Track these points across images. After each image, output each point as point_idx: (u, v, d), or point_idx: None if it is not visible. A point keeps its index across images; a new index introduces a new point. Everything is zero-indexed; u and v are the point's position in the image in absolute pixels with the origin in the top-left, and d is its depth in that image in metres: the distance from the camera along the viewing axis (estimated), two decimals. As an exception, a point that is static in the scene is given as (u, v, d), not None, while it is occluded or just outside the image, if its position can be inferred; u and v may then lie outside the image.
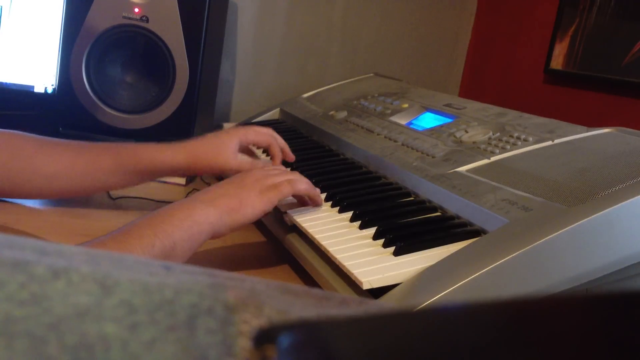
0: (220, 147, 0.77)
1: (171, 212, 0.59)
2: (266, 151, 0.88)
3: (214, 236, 0.61)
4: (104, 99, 1.03)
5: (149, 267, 0.23)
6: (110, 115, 1.03)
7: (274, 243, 0.77)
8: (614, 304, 0.19)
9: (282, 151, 0.85)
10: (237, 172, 0.76)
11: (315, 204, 0.72)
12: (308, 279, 0.63)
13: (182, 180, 1.00)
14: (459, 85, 1.63)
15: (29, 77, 1.08)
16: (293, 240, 0.69)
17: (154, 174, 0.78)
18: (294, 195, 0.71)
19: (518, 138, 0.74)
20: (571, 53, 1.23)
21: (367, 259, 0.57)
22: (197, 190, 0.97)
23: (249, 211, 0.63)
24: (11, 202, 0.79)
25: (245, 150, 0.83)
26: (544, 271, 0.52)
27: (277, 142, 0.84)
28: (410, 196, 0.73)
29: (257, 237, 0.81)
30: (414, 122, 0.93)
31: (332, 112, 1.08)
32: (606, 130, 0.71)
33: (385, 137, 0.89)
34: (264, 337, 0.19)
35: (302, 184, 0.69)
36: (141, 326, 0.18)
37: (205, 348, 0.18)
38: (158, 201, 0.89)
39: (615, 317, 0.18)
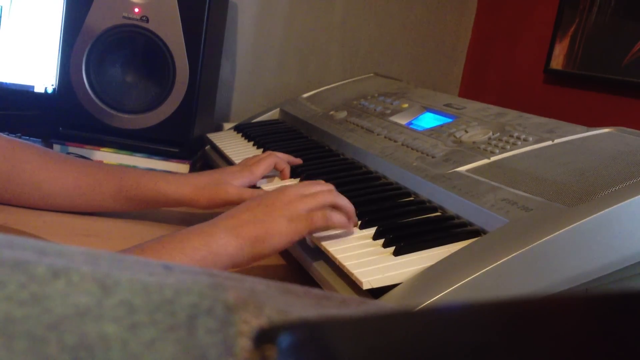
0: (223, 182, 0.76)
1: (187, 237, 0.55)
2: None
3: (234, 267, 0.57)
4: (104, 99, 1.03)
5: (149, 267, 0.23)
6: (110, 115, 1.03)
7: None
8: (614, 304, 0.19)
9: (288, 161, 0.86)
10: (239, 202, 0.72)
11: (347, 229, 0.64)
12: (308, 279, 0.63)
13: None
14: (459, 85, 1.63)
15: (29, 77, 1.08)
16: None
17: (156, 204, 0.77)
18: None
19: (518, 138, 0.74)
20: (571, 53, 1.23)
21: (367, 259, 0.57)
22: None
23: (275, 241, 0.58)
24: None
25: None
26: (544, 271, 0.52)
27: (280, 157, 0.85)
28: (410, 196, 0.73)
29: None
30: (414, 122, 0.93)
31: (332, 112, 1.08)
32: (606, 130, 0.71)
33: (385, 137, 0.89)
34: (264, 337, 0.19)
35: (337, 217, 0.61)
36: (141, 326, 0.18)
37: (205, 348, 0.18)
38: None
39: (615, 317, 0.18)
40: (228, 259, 0.56)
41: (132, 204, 0.77)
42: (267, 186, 0.81)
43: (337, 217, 0.61)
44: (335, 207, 0.62)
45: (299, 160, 0.88)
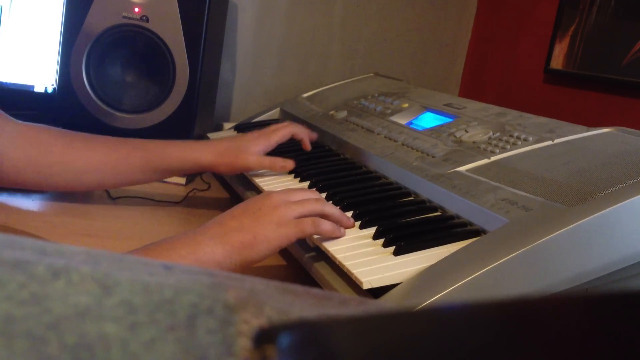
0: (242, 148, 0.81)
1: (173, 246, 0.55)
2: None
3: None
4: (104, 99, 1.03)
5: (149, 267, 0.23)
6: (110, 115, 1.03)
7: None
8: (614, 304, 0.19)
9: (309, 135, 0.92)
10: (258, 168, 0.82)
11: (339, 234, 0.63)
12: (308, 279, 0.63)
13: (182, 180, 1.00)
14: (459, 85, 1.63)
15: (29, 77, 1.08)
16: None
17: (181, 171, 0.82)
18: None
19: (518, 138, 0.74)
20: (571, 53, 1.23)
21: (367, 259, 0.57)
22: (197, 190, 0.97)
23: (264, 247, 0.57)
24: (11, 202, 0.79)
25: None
26: (544, 271, 0.52)
27: (300, 128, 0.90)
28: (410, 196, 0.73)
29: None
30: (414, 122, 0.93)
31: (332, 112, 1.08)
32: (606, 130, 0.71)
33: (385, 137, 0.89)
34: (264, 337, 0.19)
35: (326, 225, 0.60)
36: (141, 326, 0.18)
37: (205, 348, 0.18)
38: (158, 201, 0.89)
39: (615, 317, 0.18)
40: (216, 267, 0.54)
41: (159, 174, 0.81)
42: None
43: (326, 225, 0.60)
44: (323, 216, 0.62)
45: (314, 136, 0.93)
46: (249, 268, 0.57)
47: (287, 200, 0.61)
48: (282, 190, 0.64)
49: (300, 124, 0.92)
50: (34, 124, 0.77)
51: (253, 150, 0.81)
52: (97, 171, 0.77)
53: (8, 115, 0.75)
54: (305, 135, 0.90)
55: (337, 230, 0.61)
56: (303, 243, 0.66)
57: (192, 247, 0.55)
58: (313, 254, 0.64)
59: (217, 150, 0.80)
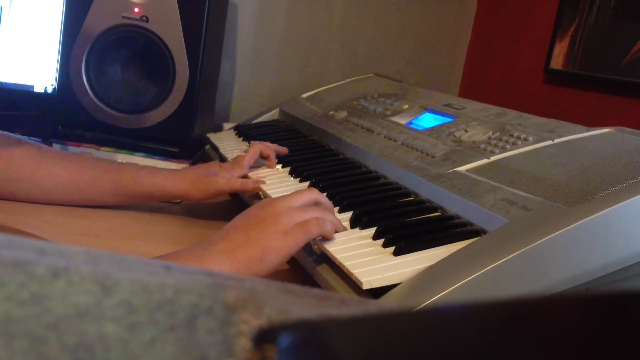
0: (215, 173, 0.80)
1: (179, 262, 0.53)
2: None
3: None
4: (103, 99, 1.03)
5: (149, 267, 0.23)
6: (110, 115, 1.03)
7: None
8: (614, 304, 0.19)
9: (276, 149, 0.90)
10: (229, 191, 0.81)
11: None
12: (308, 279, 0.63)
13: None
14: (459, 85, 1.63)
15: (29, 77, 1.08)
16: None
17: (152, 199, 0.81)
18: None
19: (518, 138, 0.74)
20: (571, 53, 1.23)
21: (367, 259, 0.57)
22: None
23: (273, 259, 0.56)
24: (11, 202, 0.79)
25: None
26: (544, 271, 0.52)
27: (266, 145, 0.89)
28: (410, 196, 0.73)
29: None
30: (413, 122, 0.93)
31: (332, 112, 1.08)
32: (606, 130, 0.71)
33: (385, 137, 0.89)
34: (264, 337, 0.19)
35: (329, 225, 0.60)
36: (141, 326, 0.18)
37: (205, 348, 0.18)
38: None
39: (615, 317, 0.18)
40: None
41: (129, 199, 0.80)
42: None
43: (329, 225, 0.60)
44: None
45: (285, 149, 0.92)
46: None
47: (290, 207, 0.60)
48: (282, 196, 0.63)
49: (266, 142, 0.91)
50: (10, 135, 0.78)
51: (223, 173, 0.81)
52: (65, 192, 0.77)
53: None
54: (271, 152, 0.88)
55: (340, 226, 0.62)
56: (306, 246, 0.66)
57: (199, 263, 0.53)
58: (313, 254, 0.64)
59: (189, 178, 0.79)
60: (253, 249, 0.55)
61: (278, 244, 0.56)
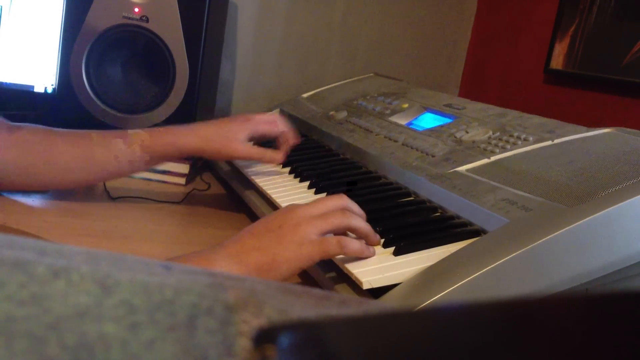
0: (230, 135, 0.79)
1: (188, 264, 0.51)
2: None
3: None
4: (103, 99, 1.03)
5: (149, 267, 0.23)
6: (110, 115, 1.03)
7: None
8: (614, 304, 0.19)
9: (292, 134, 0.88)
10: (244, 158, 0.80)
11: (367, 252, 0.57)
12: (308, 279, 0.63)
13: (182, 180, 1.00)
14: (459, 85, 1.63)
15: (29, 77, 1.08)
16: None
17: (166, 158, 0.81)
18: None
19: (518, 138, 0.74)
20: (571, 53, 1.23)
21: (367, 259, 0.57)
22: (197, 190, 0.97)
23: (283, 269, 0.53)
24: (11, 202, 0.79)
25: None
26: (544, 271, 0.52)
27: (285, 130, 0.86)
28: (410, 196, 0.73)
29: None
30: (414, 122, 0.93)
31: (332, 112, 1.08)
32: (606, 130, 0.71)
33: (385, 137, 0.89)
34: (264, 337, 0.19)
35: (353, 245, 0.55)
36: (141, 326, 0.18)
37: (205, 348, 0.18)
38: (158, 201, 0.89)
39: (615, 317, 0.18)
40: None
41: (145, 162, 0.79)
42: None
43: (353, 246, 0.55)
44: (350, 230, 0.57)
45: (297, 140, 0.89)
46: None
47: (311, 216, 0.56)
48: (306, 203, 0.58)
49: (289, 127, 0.87)
50: (17, 124, 0.77)
51: (241, 137, 0.79)
52: (82, 167, 0.77)
53: None
54: (286, 141, 0.85)
55: (365, 250, 0.56)
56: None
57: (207, 266, 0.52)
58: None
59: (203, 135, 0.78)
60: (264, 255, 0.53)
61: (290, 254, 0.53)
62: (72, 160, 0.76)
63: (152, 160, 0.80)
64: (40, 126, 0.78)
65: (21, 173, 0.75)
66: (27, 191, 0.82)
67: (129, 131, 0.79)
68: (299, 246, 0.54)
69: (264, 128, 0.83)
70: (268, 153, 0.81)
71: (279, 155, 0.82)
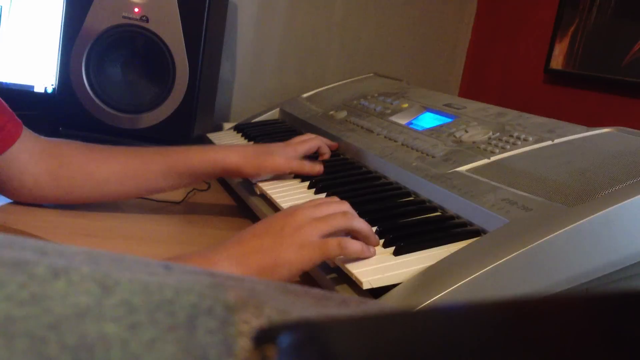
0: (270, 152, 0.79)
1: (187, 264, 0.53)
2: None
3: None
4: (104, 99, 1.03)
5: (149, 267, 0.23)
6: (110, 115, 1.03)
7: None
8: (614, 304, 0.19)
9: (328, 145, 0.90)
10: (287, 170, 0.79)
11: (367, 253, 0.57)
12: (308, 279, 0.63)
13: None
14: (459, 85, 1.63)
15: (29, 77, 1.08)
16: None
17: (205, 175, 0.79)
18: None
19: (518, 138, 0.74)
20: (571, 53, 1.23)
21: (367, 259, 0.57)
22: (197, 190, 0.97)
23: (284, 272, 0.53)
24: (11, 202, 0.79)
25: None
26: (544, 271, 0.52)
27: (324, 142, 0.88)
28: (410, 196, 0.73)
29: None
30: (413, 122, 0.93)
31: (332, 112, 1.08)
32: (606, 130, 0.71)
33: (385, 137, 0.89)
34: (264, 337, 0.19)
35: (354, 246, 0.55)
36: (141, 326, 0.18)
37: (205, 348, 0.18)
38: (158, 201, 0.89)
39: (615, 317, 0.18)
40: None
41: (183, 180, 0.78)
42: (267, 187, 0.81)
43: (353, 246, 0.55)
44: (351, 232, 0.58)
45: (335, 145, 0.91)
46: None
47: (313, 218, 0.56)
48: (307, 204, 0.59)
49: (322, 137, 0.90)
50: (54, 138, 0.78)
51: (281, 153, 0.80)
52: (118, 180, 0.76)
53: (30, 131, 0.75)
54: (327, 151, 0.88)
55: (366, 251, 0.56)
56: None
57: (206, 266, 0.51)
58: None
59: (243, 152, 0.78)
60: (265, 257, 0.53)
61: (292, 257, 0.53)
62: (108, 173, 0.76)
63: (190, 177, 0.79)
64: (74, 141, 0.78)
65: (59, 185, 0.75)
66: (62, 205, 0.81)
67: (166, 148, 0.79)
68: (301, 248, 0.54)
69: (304, 150, 0.83)
70: (307, 164, 0.80)
71: (318, 166, 0.82)
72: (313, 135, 0.88)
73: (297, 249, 0.54)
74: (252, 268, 0.53)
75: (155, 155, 0.77)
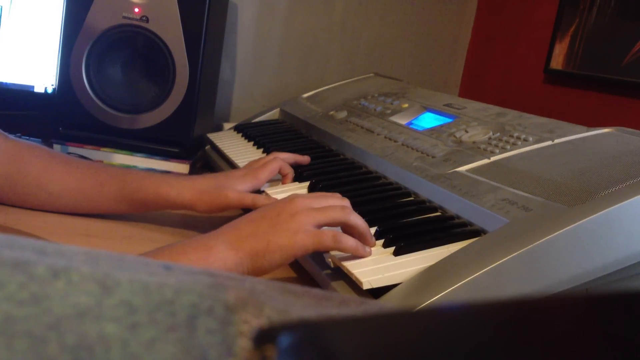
0: (225, 186, 0.75)
1: (185, 250, 0.53)
2: None
3: None
4: (104, 99, 1.03)
5: (149, 267, 0.23)
6: (110, 115, 1.03)
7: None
8: (614, 304, 0.19)
9: (295, 161, 0.85)
10: (239, 206, 0.74)
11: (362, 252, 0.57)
12: (308, 279, 0.63)
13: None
14: (459, 85, 1.63)
15: (29, 77, 1.08)
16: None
17: (157, 207, 0.77)
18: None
19: (518, 138, 0.74)
20: (571, 53, 1.23)
21: (367, 259, 0.57)
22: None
23: (276, 256, 0.54)
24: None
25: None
26: (544, 271, 0.52)
27: (284, 161, 0.82)
28: (410, 196, 0.73)
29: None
30: (414, 122, 0.93)
31: (332, 112, 1.08)
32: (606, 130, 0.71)
33: (385, 137, 0.89)
34: (264, 337, 0.19)
35: (348, 241, 0.56)
36: (141, 326, 0.18)
37: (205, 348, 0.18)
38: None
39: (615, 317, 0.18)
40: None
41: (134, 207, 0.77)
42: (271, 190, 0.80)
43: (348, 242, 0.55)
44: (347, 226, 0.58)
45: (306, 159, 0.87)
46: (261, 276, 0.54)
47: (309, 207, 0.57)
48: (308, 194, 0.60)
49: (286, 154, 0.85)
50: (19, 141, 0.77)
51: (238, 188, 0.75)
52: (71, 198, 0.76)
53: (1, 131, 0.75)
54: (290, 170, 0.82)
55: (360, 249, 0.56)
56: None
57: (203, 252, 0.53)
58: (312, 254, 0.64)
59: (197, 188, 0.74)
60: (259, 241, 0.54)
61: (284, 242, 0.54)
62: (62, 189, 0.76)
63: (141, 207, 0.77)
64: (39, 146, 0.78)
65: (14, 191, 0.75)
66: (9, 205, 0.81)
67: (125, 171, 0.78)
68: (294, 234, 0.54)
69: (265, 176, 0.78)
70: (261, 199, 0.74)
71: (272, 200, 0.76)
72: (272, 157, 0.82)
73: (291, 235, 0.54)
74: (246, 251, 0.53)
75: (112, 178, 0.76)
